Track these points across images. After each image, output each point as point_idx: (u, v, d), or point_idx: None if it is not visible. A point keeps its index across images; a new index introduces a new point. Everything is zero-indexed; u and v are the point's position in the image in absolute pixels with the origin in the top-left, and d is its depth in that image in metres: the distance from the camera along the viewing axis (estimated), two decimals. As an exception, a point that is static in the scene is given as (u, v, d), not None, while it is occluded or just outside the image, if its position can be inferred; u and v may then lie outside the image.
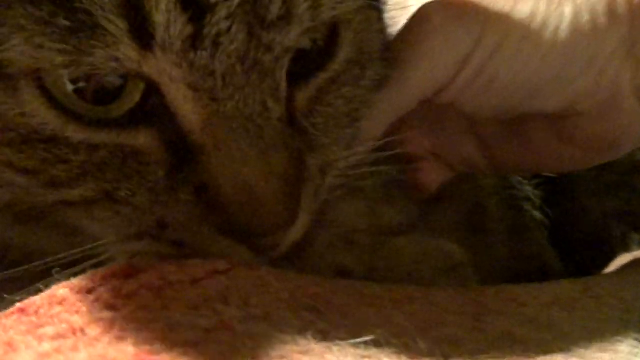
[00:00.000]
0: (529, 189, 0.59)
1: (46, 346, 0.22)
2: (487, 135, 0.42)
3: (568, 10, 0.36)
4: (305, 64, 0.31)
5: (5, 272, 0.30)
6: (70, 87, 0.26)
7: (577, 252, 0.60)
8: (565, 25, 0.36)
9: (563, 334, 0.31)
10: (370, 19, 0.35)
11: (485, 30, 0.36)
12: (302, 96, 0.32)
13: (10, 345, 0.22)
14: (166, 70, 0.26)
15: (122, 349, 0.21)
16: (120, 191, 0.28)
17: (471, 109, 0.39)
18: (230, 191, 0.27)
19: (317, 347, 0.24)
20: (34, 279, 0.27)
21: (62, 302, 0.25)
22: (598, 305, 0.36)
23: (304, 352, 0.24)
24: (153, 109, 0.27)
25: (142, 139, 0.28)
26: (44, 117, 0.26)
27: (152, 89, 0.27)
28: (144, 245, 0.29)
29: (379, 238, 0.43)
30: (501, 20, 0.36)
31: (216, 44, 0.26)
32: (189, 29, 0.25)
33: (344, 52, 0.33)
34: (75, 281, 0.26)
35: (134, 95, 0.27)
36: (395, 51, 0.38)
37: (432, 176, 0.43)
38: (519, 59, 0.36)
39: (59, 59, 0.25)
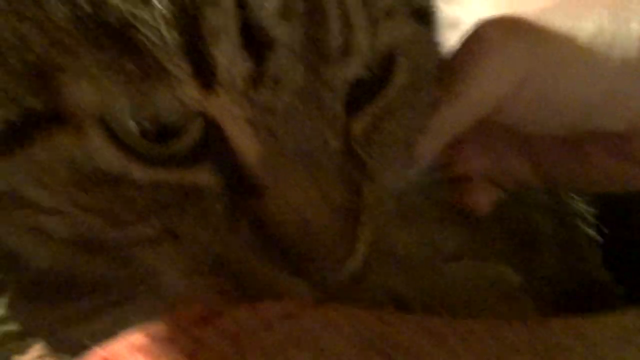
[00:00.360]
0: (581, 205, 0.58)
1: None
2: (542, 153, 0.42)
3: (636, 27, 0.35)
4: (361, 92, 0.31)
5: (76, 304, 0.30)
6: (133, 127, 0.26)
7: (633, 272, 0.59)
8: (634, 43, 0.35)
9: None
10: (424, 43, 0.35)
11: (546, 49, 0.36)
12: (358, 125, 0.32)
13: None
14: (227, 109, 0.26)
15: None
16: (182, 228, 0.28)
17: (529, 127, 0.38)
18: (288, 226, 0.27)
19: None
20: (100, 310, 0.28)
21: (141, 349, 0.25)
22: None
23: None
24: (212, 146, 0.28)
25: (202, 175, 0.28)
26: (109, 158, 0.27)
27: (212, 126, 0.27)
28: (204, 280, 0.29)
29: (434, 264, 0.42)
30: (563, 39, 0.36)
31: (277, 82, 0.26)
32: (250, 68, 0.26)
33: (399, 78, 0.33)
34: (152, 327, 0.26)
35: (194, 133, 0.27)
36: (451, 70, 0.37)
37: (484, 197, 0.43)
38: (582, 79, 0.36)
39: (125, 102, 0.25)
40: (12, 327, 0.38)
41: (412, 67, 0.33)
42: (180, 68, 0.25)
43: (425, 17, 0.34)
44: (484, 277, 0.42)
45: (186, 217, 0.28)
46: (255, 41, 0.25)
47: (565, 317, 0.37)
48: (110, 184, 0.27)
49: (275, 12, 0.25)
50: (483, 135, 0.41)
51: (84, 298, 0.31)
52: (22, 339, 0.37)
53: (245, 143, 0.27)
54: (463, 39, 0.38)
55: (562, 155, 0.41)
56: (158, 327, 0.26)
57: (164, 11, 0.24)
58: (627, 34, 0.35)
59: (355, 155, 0.31)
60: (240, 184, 0.28)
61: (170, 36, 0.24)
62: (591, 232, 0.59)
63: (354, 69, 0.28)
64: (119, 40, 0.25)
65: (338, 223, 0.28)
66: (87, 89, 0.25)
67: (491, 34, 0.36)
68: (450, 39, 0.41)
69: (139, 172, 0.27)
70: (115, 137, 0.27)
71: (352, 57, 0.28)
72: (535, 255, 0.52)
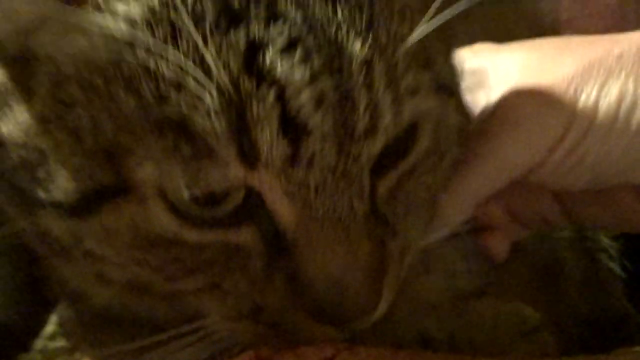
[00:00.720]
0: (605, 240, 0.60)
1: None
2: (571, 198, 0.44)
3: None
4: (387, 156, 0.34)
5: (129, 345, 0.35)
6: (187, 195, 0.31)
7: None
8: None
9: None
10: (448, 110, 0.38)
11: (574, 118, 0.38)
12: (384, 186, 0.35)
13: None
14: (267, 183, 0.30)
15: None
16: (225, 282, 0.33)
17: (559, 186, 0.41)
18: (320, 282, 0.31)
19: None
20: (148, 348, 0.33)
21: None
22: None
23: None
24: (253, 210, 0.32)
25: (244, 235, 0.32)
26: (166, 223, 0.31)
27: (252, 193, 0.31)
28: (244, 325, 0.34)
29: (457, 304, 0.45)
30: (588, 108, 0.39)
31: (310, 162, 0.30)
32: (288, 151, 0.29)
33: (423, 144, 0.36)
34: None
35: (237, 199, 0.31)
36: (484, 134, 0.40)
37: (503, 245, 0.45)
38: (607, 142, 0.38)
39: (182, 180, 0.30)
40: (61, 342, 0.43)
41: (434, 134, 0.37)
42: (227, 151, 0.29)
43: (448, 90, 0.37)
44: (504, 315, 0.45)
45: (229, 272, 0.33)
46: (292, 128, 0.29)
47: (586, 355, 0.40)
48: (165, 246, 0.32)
49: (309, 104, 0.29)
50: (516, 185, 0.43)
51: (134, 335, 0.35)
52: (70, 354, 0.42)
53: (282, 210, 0.31)
54: (496, 106, 0.41)
55: (591, 199, 0.43)
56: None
57: (215, 105, 0.28)
58: None
59: (380, 214, 0.35)
60: (277, 244, 0.32)
61: (219, 125, 0.29)
62: (614, 266, 0.61)
63: (379, 145, 0.32)
64: (177, 128, 0.29)
65: (365, 278, 0.31)
66: (150, 168, 0.30)
67: (524, 103, 0.40)
68: (479, 99, 0.45)
69: (190, 235, 0.32)
70: (171, 205, 0.31)
71: (377, 135, 0.31)
72: (560, 290, 0.54)
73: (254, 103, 0.29)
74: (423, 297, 0.44)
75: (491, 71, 0.45)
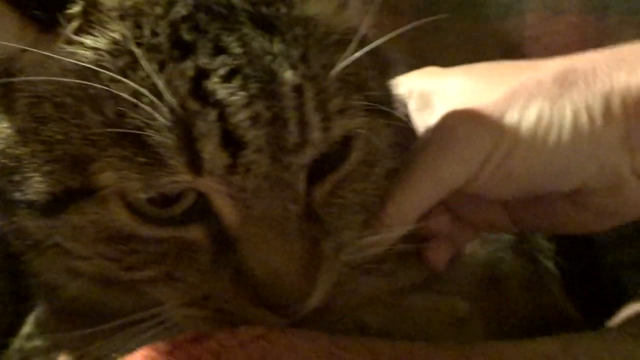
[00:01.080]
0: (542, 241, 0.65)
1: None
2: (512, 207, 0.49)
3: (568, 112, 0.43)
4: (324, 164, 0.40)
5: (93, 329, 0.40)
6: (144, 198, 0.36)
7: (592, 302, 0.65)
8: (566, 127, 0.42)
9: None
10: (378, 127, 0.43)
11: (501, 137, 0.44)
12: (320, 191, 0.40)
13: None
14: (212, 187, 0.35)
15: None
16: (177, 272, 0.38)
17: (494, 195, 0.47)
18: (259, 273, 0.36)
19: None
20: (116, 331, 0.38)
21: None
22: (574, 364, 0.43)
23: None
24: (202, 210, 0.37)
25: (194, 233, 0.37)
26: (125, 221, 0.36)
27: (202, 196, 0.37)
28: (194, 311, 0.39)
29: (397, 298, 0.50)
30: (512, 128, 0.44)
31: (247, 170, 0.35)
32: (227, 161, 0.34)
33: (355, 156, 0.42)
34: (154, 345, 0.36)
35: (189, 200, 0.37)
36: (425, 151, 0.46)
37: (442, 255, 0.50)
38: (529, 158, 0.44)
39: (136, 186, 0.35)
40: (38, 342, 0.47)
41: (365, 147, 0.42)
42: (176, 161, 0.34)
43: (380, 109, 0.42)
44: (436, 307, 0.50)
45: (180, 263, 0.38)
46: (231, 142, 0.35)
47: (489, 342, 0.46)
48: (124, 240, 0.37)
49: (246, 122, 0.35)
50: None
51: (103, 321, 0.40)
52: (47, 354, 0.46)
53: (226, 211, 0.36)
54: (435, 125, 0.46)
55: (530, 206, 0.48)
56: (163, 345, 0.36)
57: (166, 122, 0.34)
58: (561, 119, 0.43)
59: (317, 216, 0.40)
60: (223, 240, 0.37)
61: (170, 139, 0.34)
62: (551, 265, 0.65)
63: (308, 156, 0.37)
64: (134, 141, 0.34)
65: (298, 271, 0.36)
66: (111, 174, 0.35)
67: (459, 125, 0.45)
68: (425, 117, 0.50)
69: (145, 231, 0.37)
70: (130, 205, 0.37)
71: (307, 149, 0.36)
72: (500, 289, 0.57)
73: (199, 121, 0.34)
74: (361, 293, 0.49)
75: (435, 94, 0.50)
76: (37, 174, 0.37)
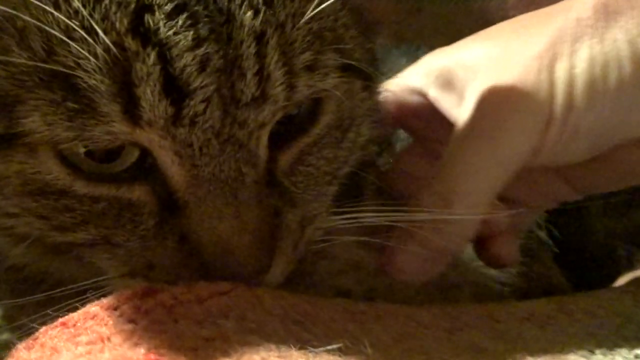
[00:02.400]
0: None
1: (80, 349, 0.28)
2: (573, 173, 0.45)
3: (623, 44, 0.38)
4: (290, 127, 0.36)
5: (44, 294, 0.36)
6: (82, 150, 0.32)
7: (584, 271, 0.63)
8: (625, 60, 0.38)
9: (527, 347, 0.35)
10: (353, 89, 0.39)
11: (553, 93, 0.39)
12: (285, 157, 0.36)
13: (55, 349, 0.29)
14: (154, 140, 0.32)
15: (137, 351, 0.27)
16: (117, 236, 0.34)
17: (563, 162, 0.42)
18: (207, 242, 0.32)
19: (296, 353, 0.30)
20: (66, 299, 0.34)
21: (94, 317, 0.31)
22: (570, 320, 0.39)
23: (284, 357, 0.29)
24: (147, 168, 0.33)
25: (137, 193, 0.34)
26: (57, 174, 0.33)
27: (147, 153, 0.33)
28: (136, 282, 0.34)
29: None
30: (565, 80, 0.39)
31: (193, 122, 0.31)
32: (170, 110, 0.31)
33: (326, 119, 0.37)
34: (104, 300, 0.32)
35: (132, 156, 0.33)
36: (474, 136, 0.41)
37: (510, 248, 0.46)
38: (593, 106, 0.39)
39: (66, 134, 0.31)
40: (5, 336, 0.42)
41: (339, 110, 0.38)
42: (110, 108, 0.30)
43: (359, 71, 0.38)
44: None
45: (121, 227, 0.34)
46: (175, 88, 0.31)
47: (480, 303, 0.42)
48: (55, 195, 0.33)
49: (192, 66, 0.31)
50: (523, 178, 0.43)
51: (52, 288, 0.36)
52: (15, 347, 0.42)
53: (173, 170, 0.33)
54: (477, 105, 0.41)
55: (594, 167, 0.43)
56: (109, 300, 0.32)
57: (100, 62, 0.30)
58: (617, 52, 0.38)
59: (281, 185, 0.36)
60: (169, 204, 0.33)
61: (104, 82, 0.30)
62: (543, 235, 0.63)
63: (267, 113, 0.33)
64: (65, 83, 0.30)
65: (251, 243, 0.33)
66: (36, 120, 0.31)
67: (506, 95, 0.40)
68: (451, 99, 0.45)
69: (80, 187, 0.33)
70: (62, 157, 0.32)
71: (266, 104, 0.33)
72: None
73: (138, 63, 0.30)
74: (343, 258, 0.45)
75: (457, 70, 0.45)
76: None
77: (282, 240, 0.35)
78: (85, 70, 0.30)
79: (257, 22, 0.32)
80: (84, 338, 0.29)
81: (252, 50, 0.32)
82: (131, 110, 0.31)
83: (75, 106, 0.31)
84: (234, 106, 0.32)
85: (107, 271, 0.35)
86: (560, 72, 0.39)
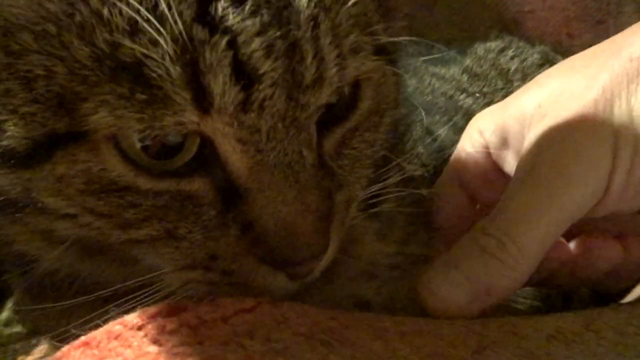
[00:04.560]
0: None
1: (105, 375, 0.27)
2: (626, 224, 0.44)
3: None
4: (332, 115, 0.36)
5: (76, 300, 0.35)
6: (138, 146, 0.32)
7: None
8: None
9: (556, 367, 0.34)
10: (387, 74, 0.39)
11: (618, 136, 0.38)
12: (329, 142, 0.36)
13: (78, 374, 0.28)
14: (220, 129, 0.31)
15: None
16: (180, 229, 0.33)
17: (635, 206, 0.40)
18: (272, 227, 0.32)
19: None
20: (98, 306, 0.33)
21: (117, 337, 0.30)
22: (597, 339, 0.38)
23: (313, 382, 0.28)
24: (206, 160, 0.33)
25: (197, 185, 0.33)
26: (120, 171, 0.32)
27: (206, 143, 0.32)
28: (197, 274, 0.34)
29: (403, 270, 0.46)
30: (627, 121, 0.38)
31: (262, 107, 0.31)
32: (240, 96, 0.31)
33: (365, 104, 0.38)
34: (128, 318, 0.31)
35: (191, 150, 0.32)
36: (535, 183, 0.39)
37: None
38: None
39: (137, 126, 0.30)
40: (17, 328, 0.43)
41: (376, 95, 0.38)
42: (181, 97, 0.30)
43: (388, 54, 0.38)
44: None
45: (183, 220, 0.33)
46: (244, 74, 0.30)
47: (505, 318, 0.41)
48: (119, 192, 0.33)
49: (259, 52, 0.30)
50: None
51: (85, 294, 0.36)
52: (27, 340, 0.41)
53: (234, 158, 0.32)
54: (536, 151, 0.40)
55: None
56: (132, 317, 0.31)
57: (169, 51, 0.29)
58: None
59: (329, 168, 0.36)
60: (230, 193, 0.33)
61: (174, 71, 0.29)
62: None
63: (325, 95, 0.33)
64: (132, 75, 0.30)
65: (314, 224, 0.33)
66: (104, 115, 0.30)
67: (565, 140, 0.39)
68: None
69: (143, 182, 0.32)
70: (124, 154, 0.32)
71: (324, 87, 0.33)
72: None
73: (207, 50, 0.30)
74: (367, 261, 0.45)
75: (512, 124, 0.44)
76: (13, 117, 0.31)
77: (334, 220, 0.35)
78: (155, 60, 0.30)
79: (312, 6, 0.32)
80: (108, 361, 0.28)
81: (310, 34, 0.32)
82: (201, 98, 0.30)
83: (145, 97, 0.30)
84: (296, 90, 0.32)
85: (163, 266, 0.34)
86: (622, 112, 0.38)
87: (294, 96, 0.32)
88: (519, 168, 0.42)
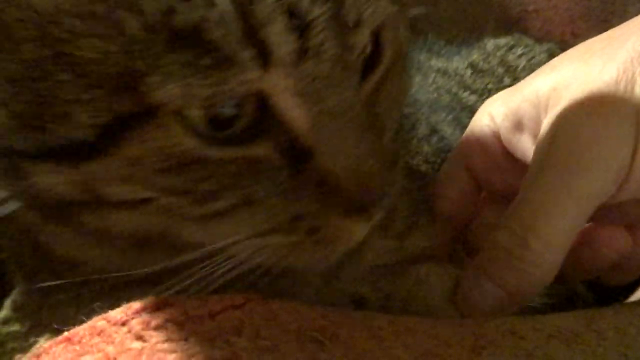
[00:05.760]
0: None
1: (85, 371, 0.26)
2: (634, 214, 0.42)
3: None
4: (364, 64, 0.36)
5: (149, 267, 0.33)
6: (202, 116, 0.31)
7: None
8: None
9: (555, 368, 0.33)
10: (399, 27, 0.39)
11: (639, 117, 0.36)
12: (367, 89, 0.36)
13: (58, 370, 0.27)
14: (279, 84, 0.31)
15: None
16: (256, 195, 0.33)
17: None
18: (344, 176, 0.33)
19: (313, 376, 0.28)
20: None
21: (100, 333, 0.29)
22: (598, 339, 0.37)
23: (301, 381, 0.27)
24: (266, 123, 0.32)
25: (261, 149, 0.33)
26: (188, 144, 0.31)
27: (265, 105, 0.32)
28: (279, 237, 0.34)
29: (401, 267, 0.45)
30: None
31: (318, 53, 0.31)
32: (296, 45, 0.30)
33: (388, 51, 0.37)
34: (112, 313, 0.30)
35: (249, 114, 0.32)
36: (552, 170, 0.38)
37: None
38: None
39: (204, 93, 0.30)
40: (15, 327, 0.42)
41: (396, 41, 0.38)
42: (243, 55, 0.29)
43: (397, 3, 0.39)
44: (441, 279, 0.45)
45: (258, 186, 0.33)
46: (297, 22, 0.30)
47: (503, 317, 0.40)
48: (191, 166, 0.32)
49: None
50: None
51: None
52: (25, 339, 0.40)
53: (295, 113, 0.32)
54: (552, 135, 0.38)
55: None
56: (116, 313, 0.30)
57: (225, 9, 0.29)
58: None
59: (373, 111, 0.36)
60: (295, 152, 0.33)
61: (234, 29, 0.29)
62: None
63: (365, 36, 0.33)
64: (191, 41, 0.29)
65: (379, 164, 0.33)
66: (171, 87, 0.30)
67: (582, 122, 0.37)
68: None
69: (211, 153, 0.32)
70: (189, 126, 0.31)
71: (363, 27, 0.33)
72: None
73: (260, 4, 0.29)
74: (370, 261, 0.44)
75: (527, 108, 0.43)
76: (74, 107, 0.30)
77: (387, 159, 0.36)
78: (213, 22, 0.29)
79: None
80: (88, 358, 0.27)
81: None
82: (260, 53, 0.30)
83: (208, 62, 0.29)
84: (342, 32, 0.32)
85: (237, 234, 0.34)
86: None
87: (343, 39, 0.32)
88: (536, 155, 0.40)
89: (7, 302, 0.44)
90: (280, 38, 0.30)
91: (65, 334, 0.29)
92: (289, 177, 0.33)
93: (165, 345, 0.28)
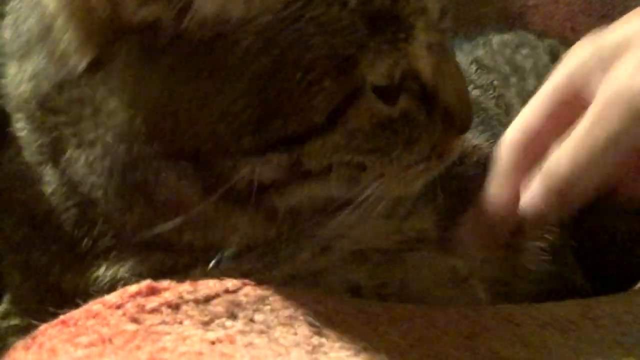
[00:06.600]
0: None
1: (80, 353, 0.26)
2: None
3: None
4: None
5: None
6: (385, 83, 0.36)
7: (604, 272, 0.60)
8: None
9: (551, 354, 0.33)
10: None
11: None
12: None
13: (53, 351, 0.27)
14: (419, 50, 0.37)
15: (138, 356, 0.26)
16: (413, 137, 0.39)
17: None
18: (456, 103, 0.39)
19: (307, 357, 0.28)
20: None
21: (95, 315, 0.29)
22: (594, 327, 0.37)
23: (294, 363, 0.27)
24: (406, 82, 0.38)
25: (407, 102, 0.38)
26: (382, 109, 0.37)
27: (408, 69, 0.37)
28: (421, 167, 0.40)
29: (397, 254, 0.45)
30: None
31: (444, 12, 0.37)
32: (424, 24, 0.36)
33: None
34: (108, 297, 0.30)
35: (398, 79, 0.37)
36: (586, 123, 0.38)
37: None
38: None
39: (401, 67, 0.36)
40: (15, 321, 0.42)
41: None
42: (421, 21, 0.35)
43: None
44: (436, 266, 0.45)
45: (414, 130, 0.39)
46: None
47: (500, 306, 0.40)
48: (384, 127, 0.37)
49: None
50: None
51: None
52: (25, 333, 0.42)
53: (423, 63, 0.37)
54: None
55: None
56: (112, 297, 0.30)
57: None
58: None
59: None
60: (425, 97, 0.38)
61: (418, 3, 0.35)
62: (565, 234, 0.60)
63: (450, 15, 0.39)
64: (388, 18, 0.34)
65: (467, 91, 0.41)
66: (383, 67, 0.35)
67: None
68: None
69: (392, 113, 0.37)
70: (377, 93, 0.36)
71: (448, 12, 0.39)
72: (519, 255, 0.52)
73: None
74: (361, 244, 0.44)
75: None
76: (314, 97, 0.34)
77: None
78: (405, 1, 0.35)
79: None
80: (84, 339, 0.27)
81: None
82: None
83: (402, 36, 0.35)
84: (440, 15, 0.37)
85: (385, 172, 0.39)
86: None
87: (442, 18, 0.38)
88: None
89: (6, 297, 0.44)
90: (432, 3, 0.37)
91: (61, 317, 0.30)
92: (426, 118, 0.39)
93: (160, 328, 0.28)
